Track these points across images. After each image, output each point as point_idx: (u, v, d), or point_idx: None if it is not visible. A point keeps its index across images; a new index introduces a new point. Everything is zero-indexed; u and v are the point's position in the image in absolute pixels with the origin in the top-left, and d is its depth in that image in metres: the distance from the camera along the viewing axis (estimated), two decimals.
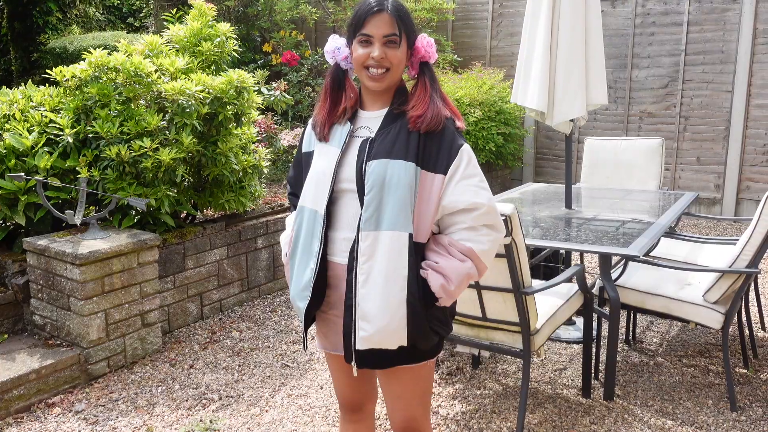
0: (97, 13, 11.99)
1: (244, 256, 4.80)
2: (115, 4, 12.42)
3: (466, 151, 1.85)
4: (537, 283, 3.00)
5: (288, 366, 3.85)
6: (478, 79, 7.28)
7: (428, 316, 1.87)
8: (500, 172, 8.05)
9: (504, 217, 2.64)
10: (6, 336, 3.81)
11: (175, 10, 8.15)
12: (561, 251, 4.51)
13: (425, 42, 1.90)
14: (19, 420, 3.26)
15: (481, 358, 3.80)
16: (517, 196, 4.58)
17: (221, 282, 4.64)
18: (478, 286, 2.89)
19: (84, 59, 4.14)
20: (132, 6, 12.56)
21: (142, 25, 12.28)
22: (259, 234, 4.90)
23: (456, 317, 3.05)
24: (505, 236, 2.66)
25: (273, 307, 4.80)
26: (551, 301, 3.20)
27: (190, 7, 8.63)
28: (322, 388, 3.57)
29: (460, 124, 1.91)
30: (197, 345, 4.13)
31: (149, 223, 4.18)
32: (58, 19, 11.40)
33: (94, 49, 4.17)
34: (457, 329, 3.15)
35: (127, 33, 10.45)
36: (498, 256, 2.73)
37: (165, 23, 8.00)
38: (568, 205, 4.12)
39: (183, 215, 4.69)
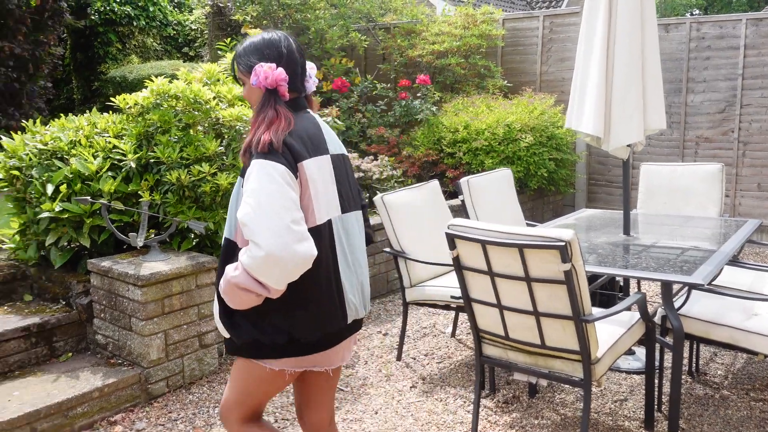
0: (154, 43, 12.40)
1: None
2: (172, 35, 12.83)
3: (255, 163, 1.93)
4: (596, 311, 2.95)
5: (342, 390, 3.85)
6: (529, 104, 7.26)
7: (228, 315, 2.06)
8: (552, 197, 7.97)
9: (563, 243, 2.61)
10: (70, 354, 3.92)
11: (229, 39, 8.36)
12: (618, 278, 4.42)
13: (258, 72, 2.02)
14: None
15: (539, 387, 3.74)
16: (572, 222, 4.53)
17: None
18: (536, 313, 2.85)
19: (146, 87, 4.28)
20: (187, 36, 12.95)
21: (197, 54, 12.65)
22: None
23: (513, 344, 3.02)
24: (565, 262, 2.63)
25: None
26: (612, 329, 3.14)
27: (243, 36, 8.86)
28: (376, 413, 3.56)
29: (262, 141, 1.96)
30: None
31: (207, 245, 4.27)
32: (118, 50, 11.83)
33: (155, 77, 4.31)
34: (515, 356, 3.11)
35: (183, 62, 10.77)
36: (556, 282, 2.70)
37: (219, 52, 8.21)
38: (626, 231, 4.05)
39: None
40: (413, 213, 4.26)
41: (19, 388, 3.47)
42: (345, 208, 2.14)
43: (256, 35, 2.11)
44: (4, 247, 4.55)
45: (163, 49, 12.62)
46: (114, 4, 11.63)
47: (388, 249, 4.18)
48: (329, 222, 2.06)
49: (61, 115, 4.72)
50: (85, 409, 3.42)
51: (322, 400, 2.32)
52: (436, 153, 6.94)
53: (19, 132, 4.35)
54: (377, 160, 6.82)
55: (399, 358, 4.27)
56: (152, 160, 4.08)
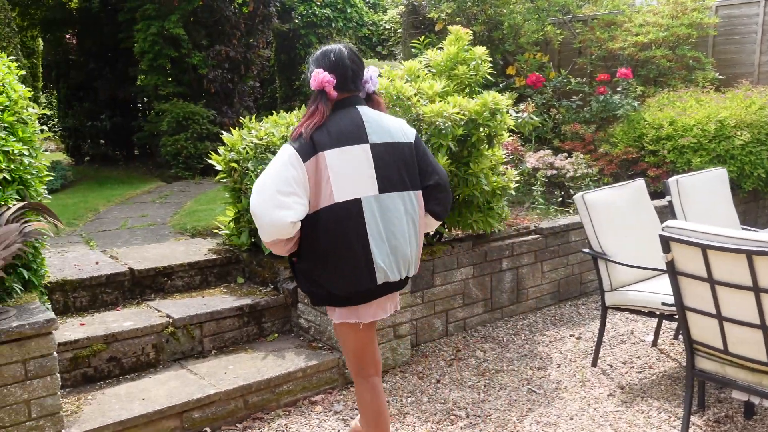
0: (349, 44, 12.96)
1: (489, 276, 4.81)
2: (366, 35, 13.33)
3: (283, 145, 2.49)
4: None
5: (534, 392, 3.76)
6: (746, 98, 6.60)
7: (295, 273, 2.64)
8: None
9: None
10: (276, 335, 4.20)
11: (422, 37, 8.50)
12: None
13: (310, 76, 2.52)
14: (287, 413, 3.56)
15: (758, 408, 3.39)
16: None
17: (466, 301, 4.69)
18: (764, 327, 2.57)
19: None
20: (381, 36, 13.38)
21: (390, 52, 13.02)
22: (504, 256, 4.88)
23: (733, 359, 2.76)
24: None
25: (516, 329, 4.74)
26: None
27: (436, 34, 8.97)
28: (572, 419, 3.43)
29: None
30: (443, 361, 4.21)
31: None
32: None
33: None
34: (734, 372, 2.83)
35: (378, 60, 11.14)
36: None
37: (413, 50, 8.36)
38: None
39: (431, 233, 4.83)
40: (615, 213, 4.04)
41: (233, 363, 3.79)
42: (385, 188, 2.50)
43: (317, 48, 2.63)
44: (220, 233, 4.98)
45: (357, 49, 13.14)
46: (315, 8, 12.31)
47: (586, 249, 4.01)
48: (358, 200, 2.45)
49: (273, 112, 5.06)
50: (290, 387, 3.65)
51: (367, 350, 2.76)
52: (636, 151, 6.55)
53: (237, 128, 4.74)
54: (571, 157, 6.58)
55: (594, 364, 4.09)
56: None
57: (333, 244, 2.45)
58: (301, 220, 2.44)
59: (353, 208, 2.44)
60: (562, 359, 4.21)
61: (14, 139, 2.95)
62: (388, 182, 2.51)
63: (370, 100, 2.64)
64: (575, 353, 4.30)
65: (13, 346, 2.74)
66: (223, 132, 5.10)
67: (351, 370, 2.83)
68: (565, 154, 6.66)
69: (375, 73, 2.59)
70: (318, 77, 2.47)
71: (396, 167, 2.55)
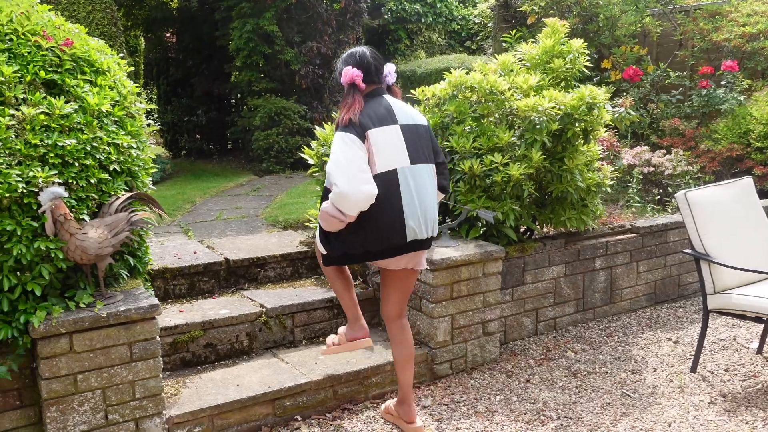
0: (439, 39, 12.91)
1: (581, 275, 4.68)
2: (456, 29, 13.24)
3: (337, 134, 2.90)
4: None
5: (629, 396, 3.63)
6: None
7: (325, 236, 3.01)
8: None
9: None
10: None
11: (514, 31, 8.36)
12: None
13: (341, 73, 3.02)
14: (375, 405, 3.59)
15: None
16: None
17: (557, 300, 4.58)
18: None
19: (443, 79, 4.44)
20: (470, 30, 13.25)
21: (479, 47, 12.89)
22: (598, 254, 4.73)
23: None
24: None
25: (609, 331, 4.60)
26: None
27: (528, 27, 8.80)
28: (669, 426, 3.30)
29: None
30: (532, 360, 4.13)
31: (492, 235, 4.31)
32: (406, 46, 12.54)
33: (453, 69, 4.45)
34: None
35: (467, 55, 11.05)
36: None
37: (504, 44, 8.24)
38: None
39: (522, 229, 4.74)
40: (721, 212, 3.84)
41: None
42: (414, 161, 2.96)
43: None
44: (311, 225, 5.07)
45: (446, 44, 13.09)
46: (405, 3, 12.33)
47: (688, 250, 3.83)
48: (394, 170, 2.90)
49: None
50: (378, 380, 3.67)
51: (392, 297, 3.22)
52: (741, 147, 6.21)
53: (328, 123, 4.80)
54: (670, 154, 6.31)
55: (694, 369, 3.91)
56: (446, 150, 4.23)
57: (378, 207, 2.86)
58: None
59: (391, 176, 2.90)
60: (659, 363, 4.05)
61: (123, 133, 3.09)
62: (416, 155, 2.99)
63: (390, 90, 3.15)
64: (672, 358, 4.13)
65: (120, 329, 2.89)
66: (314, 127, 5.19)
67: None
68: (664, 151, 6.39)
69: (392, 68, 3.14)
70: (348, 73, 2.96)
71: (420, 144, 3.03)
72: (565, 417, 3.42)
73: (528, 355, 4.21)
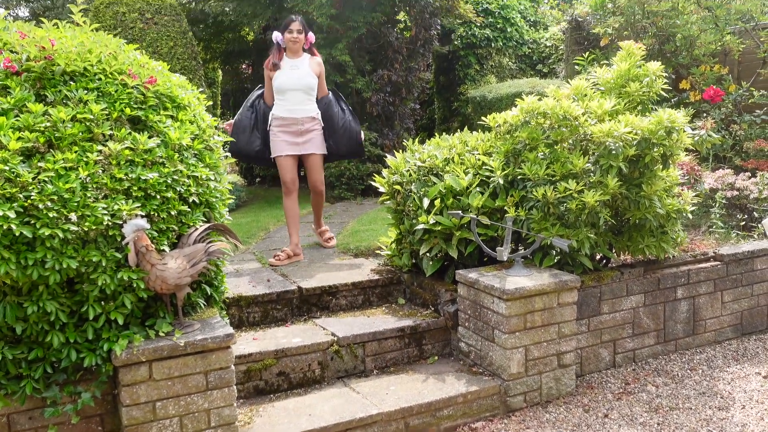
0: (509, 63, 12.83)
1: (662, 305, 4.50)
2: (526, 53, 13.13)
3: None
4: None
5: None
6: None
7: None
8: None
9: None
10: (436, 358, 4.20)
11: (587, 53, 8.21)
12: None
13: (310, 36, 5.31)
14: None
15: None
16: None
17: (635, 330, 4.42)
18: None
19: (514, 104, 4.40)
20: (541, 53, 13.12)
21: (551, 70, 12.74)
22: (679, 284, 4.55)
23: None
24: None
25: (692, 364, 4.39)
26: None
27: (601, 49, 8.64)
28: None
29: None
30: (610, 393, 3.98)
31: (567, 263, 4.21)
32: (476, 71, 12.51)
33: (525, 95, 4.40)
34: None
35: (539, 79, 10.92)
36: None
37: (576, 66, 8.09)
38: None
39: (598, 257, 4.61)
40: None
41: (394, 384, 3.83)
42: None
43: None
44: (382, 253, 5.09)
45: (517, 68, 12.98)
46: (475, 29, 12.34)
47: None
48: None
49: (434, 133, 5.10)
50: (450, 412, 3.62)
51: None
52: None
53: (399, 150, 4.83)
54: (755, 177, 6.03)
55: None
56: (519, 177, 4.17)
57: None
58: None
59: None
60: (747, 400, 3.84)
61: (202, 165, 3.20)
62: None
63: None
64: (762, 393, 3.90)
65: (197, 358, 2.96)
66: (385, 154, 5.22)
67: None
68: (748, 174, 6.12)
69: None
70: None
71: None
72: None
73: (606, 388, 4.07)
